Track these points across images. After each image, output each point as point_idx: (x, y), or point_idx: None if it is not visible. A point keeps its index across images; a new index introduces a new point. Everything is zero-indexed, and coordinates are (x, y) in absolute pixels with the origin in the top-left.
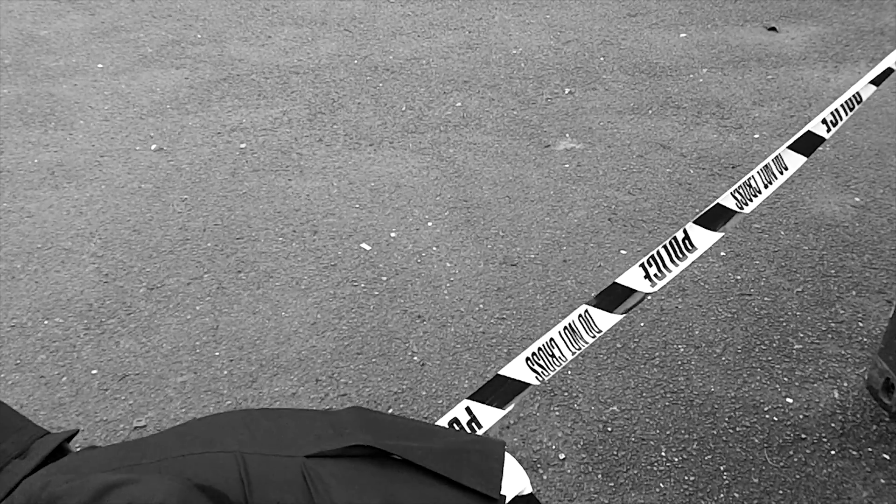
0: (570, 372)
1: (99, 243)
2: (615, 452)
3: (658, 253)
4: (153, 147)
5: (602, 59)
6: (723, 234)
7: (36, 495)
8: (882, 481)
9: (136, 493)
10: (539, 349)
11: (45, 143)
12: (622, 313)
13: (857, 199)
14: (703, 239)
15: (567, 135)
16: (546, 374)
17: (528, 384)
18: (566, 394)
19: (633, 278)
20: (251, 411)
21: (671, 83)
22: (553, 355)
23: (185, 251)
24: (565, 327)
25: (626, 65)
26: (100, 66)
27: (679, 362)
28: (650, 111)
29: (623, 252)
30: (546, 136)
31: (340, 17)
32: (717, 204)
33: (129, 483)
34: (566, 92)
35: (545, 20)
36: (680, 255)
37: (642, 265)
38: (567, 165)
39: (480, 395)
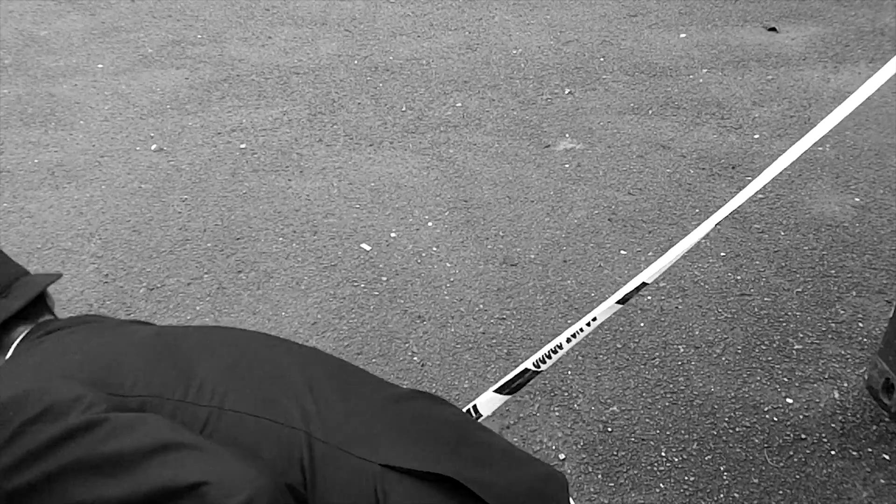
0: (570, 372)
1: (99, 244)
2: (615, 453)
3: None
4: (153, 147)
5: (602, 59)
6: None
7: (66, 405)
8: (882, 481)
9: (204, 468)
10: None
11: (45, 144)
12: (620, 303)
13: (857, 200)
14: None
15: (567, 135)
16: (543, 360)
17: (527, 370)
18: (566, 394)
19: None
20: (314, 362)
21: (671, 83)
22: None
23: (186, 251)
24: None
25: (626, 65)
26: (100, 66)
27: (679, 362)
28: (650, 111)
29: (623, 252)
30: (546, 137)
31: (340, 17)
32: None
33: (193, 448)
34: (566, 92)
35: (545, 20)
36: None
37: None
38: (567, 166)
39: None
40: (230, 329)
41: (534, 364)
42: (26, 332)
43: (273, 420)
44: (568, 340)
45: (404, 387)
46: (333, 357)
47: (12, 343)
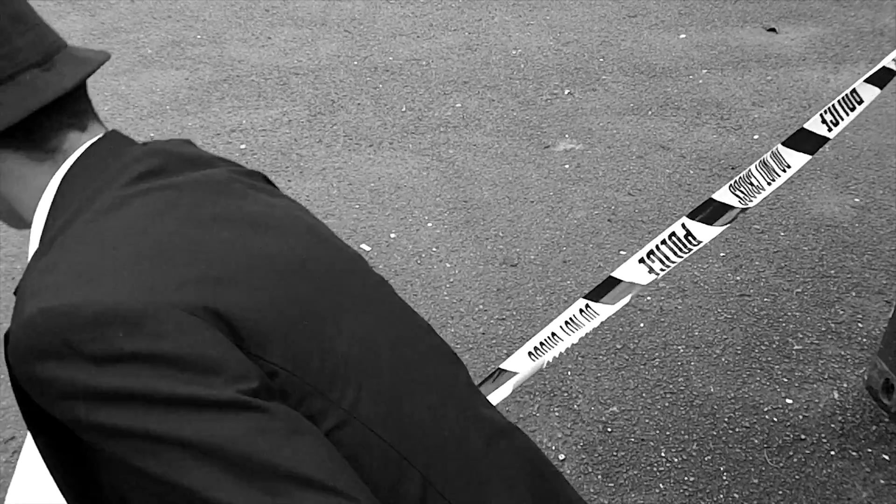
0: (569, 373)
1: None
2: (615, 453)
3: (658, 248)
4: None
5: (602, 59)
6: (723, 228)
7: (202, 363)
8: (882, 482)
9: None
10: (541, 343)
11: None
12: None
13: (856, 200)
14: (704, 234)
15: (567, 135)
16: (544, 350)
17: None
18: (566, 394)
19: (635, 273)
20: (434, 353)
21: (671, 84)
22: (554, 334)
23: None
24: (567, 320)
25: (625, 66)
26: None
27: (679, 363)
28: (650, 112)
29: (623, 253)
30: (546, 137)
31: (340, 17)
32: (711, 199)
33: (340, 497)
34: (566, 93)
35: (545, 21)
36: (684, 249)
37: (642, 260)
38: (567, 166)
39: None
40: (357, 261)
41: (531, 356)
42: (89, 144)
43: (396, 449)
44: (569, 334)
45: (499, 415)
46: (447, 347)
47: (67, 157)
